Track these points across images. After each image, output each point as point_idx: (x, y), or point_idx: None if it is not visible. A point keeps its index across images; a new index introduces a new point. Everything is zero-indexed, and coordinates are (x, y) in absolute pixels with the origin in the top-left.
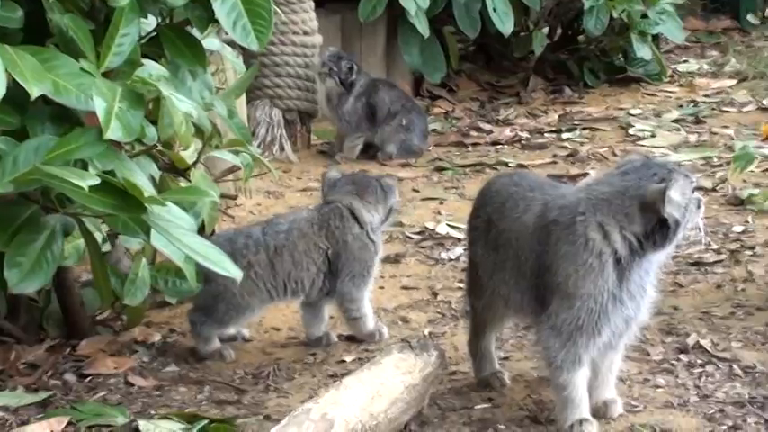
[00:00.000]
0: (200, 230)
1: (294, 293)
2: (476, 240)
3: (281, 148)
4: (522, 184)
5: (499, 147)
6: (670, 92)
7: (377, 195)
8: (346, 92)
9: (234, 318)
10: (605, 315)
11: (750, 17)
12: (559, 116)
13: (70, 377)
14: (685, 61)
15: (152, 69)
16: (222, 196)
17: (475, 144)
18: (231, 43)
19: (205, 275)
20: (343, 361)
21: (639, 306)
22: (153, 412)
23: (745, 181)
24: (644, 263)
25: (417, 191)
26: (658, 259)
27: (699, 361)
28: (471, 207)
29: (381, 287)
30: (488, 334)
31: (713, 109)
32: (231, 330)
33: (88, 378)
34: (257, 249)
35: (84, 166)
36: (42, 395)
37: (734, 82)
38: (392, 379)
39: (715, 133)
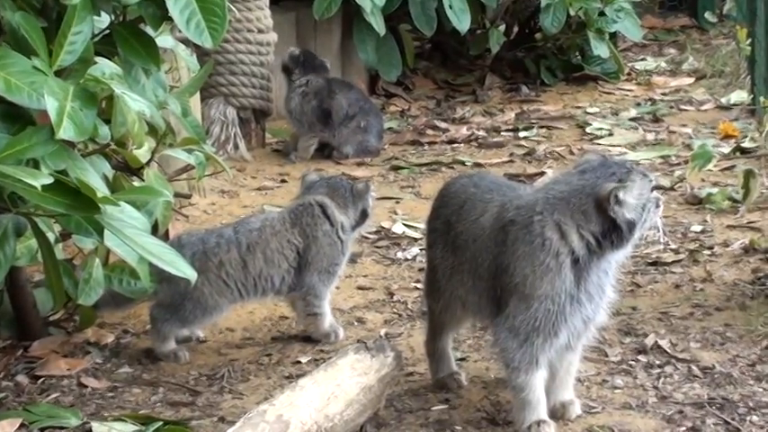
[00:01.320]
0: (154, 230)
1: (263, 293)
2: (434, 243)
3: (236, 147)
4: (481, 186)
5: (456, 145)
6: (627, 90)
7: (346, 198)
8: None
9: (199, 318)
10: (563, 316)
11: (708, 15)
12: (516, 114)
13: (22, 379)
14: (643, 59)
15: (105, 68)
16: (176, 195)
17: (431, 143)
18: (185, 41)
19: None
20: (299, 362)
21: (598, 307)
22: (106, 414)
23: (703, 180)
24: (602, 263)
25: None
26: (617, 259)
27: (657, 362)
28: (430, 209)
29: (337, 287)
30: (446, 335)
31: (671, 107)
32: (185, 331)
33: (41, 379)
34: (229, 248)
35: (36, 165)
36: None
37: (692, 80)
38: (348, 380)
39: (673, 132)
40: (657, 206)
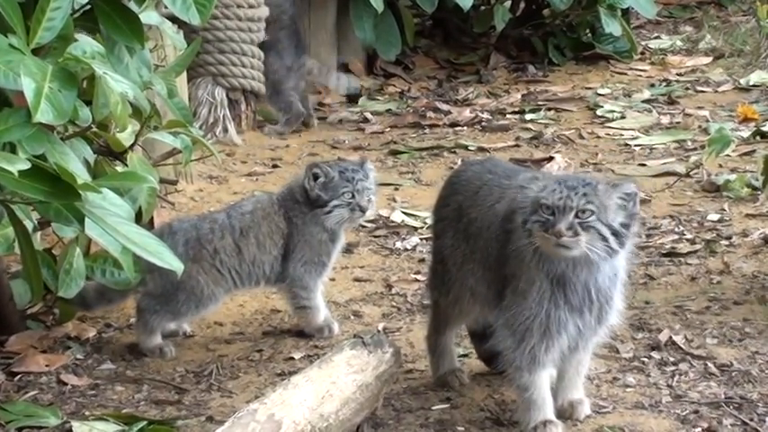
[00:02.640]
0: (138, 218)
1: (257, 281)
2: (443, 231)
3: (225, 130)
4: (497, 171)
5: (458, 129)
6: (641, 70)
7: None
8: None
9: (192, 309)
10: (550, 320)
11: None
12: (522, 96)
13: None
14: (657, 37)
15: (86, 46)
16: (161, 181)
17: (432, 126)
18: (171, 17)
19: None
20: (292, 358)
21: (597, 314)
22: (87, 413)
23: (721, 166)
24: (590, 269)
25: None
26: (609, 266)
27: (671, 359)
28: (437, 197)
29: (332, 279)
30: (450, 330)
31: (687, 89)
32: (172, 325)
33: (18, 376)
34: (223, 234)
35: (12, 149)
36: None
37: (709, 60)
38: (344, 378)
39: (689, 115)
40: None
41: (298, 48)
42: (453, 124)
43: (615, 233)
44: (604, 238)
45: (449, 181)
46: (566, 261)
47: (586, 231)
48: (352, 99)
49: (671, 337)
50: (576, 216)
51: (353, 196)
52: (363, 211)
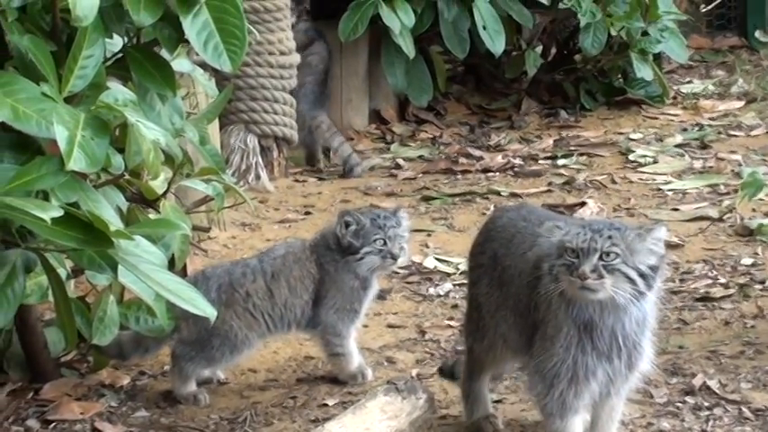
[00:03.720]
0: (171, 265)
1: (289, 325)
2: (479, 278)
3: (257, 177)
4: (531, 219)
5: (490, 174)
6: (673, 115)
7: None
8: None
9: (227, 355)
10: (577, 366)
11: (758, 34)
12: (555, 141)
13: (33, 423)
14: (689, 82)
15: (118, 93)
16: (194, 229)
17: (464, 172)
18: (203, 65)
19: None
20: (326, 405)
21: (620, 360)
22: None
23: (754, 210)
24: (617, 315)
25: None
26: (637, 311)
27: (706, 403)
28: (473, 243)
29: (366, 325)
30: (484, 376)
31: (719, 133)
32: (207, 372)
33: (52, 424)
34: (255, 277)
35: (45, 197)
36: None
37: (741, 104)
38: (378, 424)
39: (721, 159)
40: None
41: (319, 99)
42: (485, 170)
43: (643, 276)
44: (631, 281)
45: (484, 227)
46: (592, 305)
47: (611, 274)
48: (346, 172)
49: (705, 382)
50: (601, 258)
51: (385, 243)
52: (395, 258)
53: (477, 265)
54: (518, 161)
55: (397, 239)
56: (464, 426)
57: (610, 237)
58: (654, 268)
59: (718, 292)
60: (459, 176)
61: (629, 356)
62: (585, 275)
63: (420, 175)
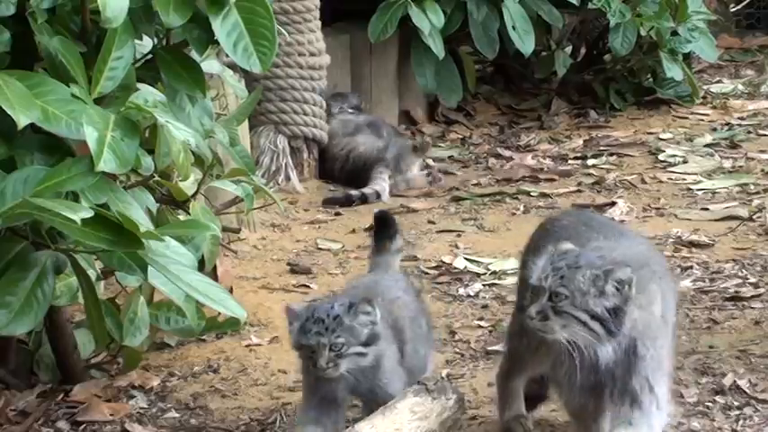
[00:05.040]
0: (201, 266)
1: None
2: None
3: (287, 178)
4: (592, 225)
5: (522, 174)
6: (703, 114)
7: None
8: None
9: None
10: (562, 387)
11: None
12: (584, 141)
13: (63, 425)
14: (719, 81)
15: (148, 95)
16: (224, 230)
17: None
18: (232, 66)
19: None
20: (356, 406)
21: (606, 390)
22: None
23: None
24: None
25: (433, 222)
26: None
27: (736, 403)
28: (529, 240)
29: None
30: (522, 376)
31: (749, 132)
32: None
33: (82, 426)
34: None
35: (75, 198)
36: None
37: None
38: (408, 425)
39: (751, 158)
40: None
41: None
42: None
43: (598, 318)
44: (583, 324)
45: (542, 226)
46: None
47: (559, 316)
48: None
49: (735, 382)
50: (550, 299)
51: (313, 352)
52: (322, 370)
53: (529, 263)
54: (548, 161)
55: (334, 347)
56: (494, 426)
57: (562, 277)
58: (614, 311)
59: (748, 291)
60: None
61: (613, 388)
62: (531, 316)
63: (450, 176)
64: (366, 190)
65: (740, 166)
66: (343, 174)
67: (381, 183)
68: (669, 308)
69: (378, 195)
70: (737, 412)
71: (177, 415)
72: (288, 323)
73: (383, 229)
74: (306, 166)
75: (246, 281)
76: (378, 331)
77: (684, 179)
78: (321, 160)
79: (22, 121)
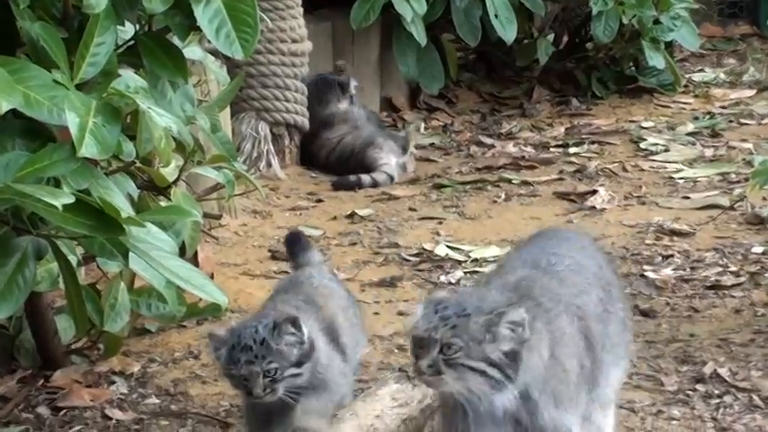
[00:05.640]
0: (181, 252)
1: None
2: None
3: (269, 165)
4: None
5: (503, 162)
6: (684, 103)
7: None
8: None
9: None
10: None
11: None
12: (566, 129)
13: (44, 410)
14: (701, 70)
15: (129, 81)
16: (205, 216)
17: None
18: (214, 52)
19: None
20: None
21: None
22: None
23: (765, 198)
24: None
25: (415, 210)
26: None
27: (716, 391)
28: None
29: (376, 313)
30: None
31: (731, 121)
32: None
33: (63, 411)
34: None
35: (57, 184)
36: (14, 430)
37: (753, 92)
38: (388, 411)
39: (733, 147)
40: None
41: None
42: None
43: (495, 365)
44: (481, 373)
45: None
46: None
47: (453, 368)
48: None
49: (715, 370)
50: (441, 351)
51: (246, 380)
52: (258, 398)
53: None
54: (529, 149)
55: (267, 373)
56: None
57: (453, 326)
58: (510, 354)
59: (728, 280)
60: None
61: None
62: (421, 371)
63: (431, 163)
64: (376, 175)
65: (721, 155)
66: (329, 161)
67: (389, 166)
68: (615, 305)
69: (391, 179)
70: (718, 400)
71: (158, 401)
72: (212, 350)
73: (295, 247)
74: (287, 153)
75: (227, 267)
76: (306, 348)
77: (666, 168)
78: (304, 147)
79: (3, 106)
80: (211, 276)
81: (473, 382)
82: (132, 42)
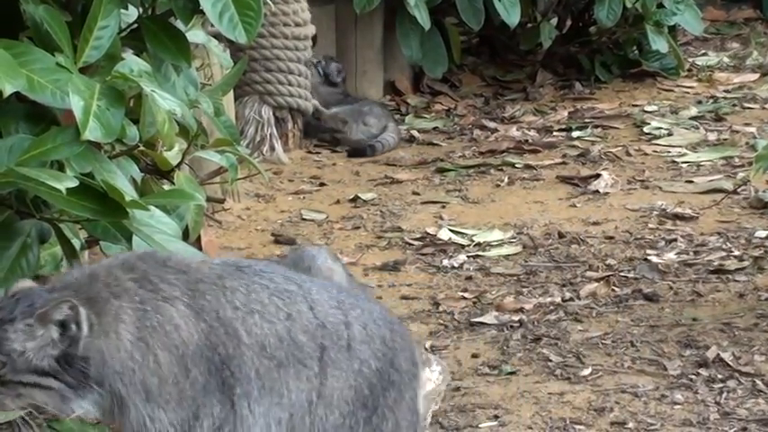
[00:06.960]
0: (185, 236)
1: None
2: None
3: (272, 149)
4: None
5: (506, 146)
6: (688, 87)
7: None
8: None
9: None
10: None
11: None
12: (569, 113)
13: None
14: (704, 54)
15: (133, 64)
16: (209, 200)
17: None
18: (218, 36)
19: None
20: None
21: None
22: None
23: None
24: None
25: (418, 194)
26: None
27: (720, 376)
28: None
29: (379, 297)
30: None
31: (734, 105)
32: None
33: None
34: None
35: (60, 167)
36: (17, 413)
37: (756, 76)
38: None
39: (736, 131)
40: None
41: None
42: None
43: (50, 375)
44: (37, 386)
45: None
46: None
47: (5, 387)
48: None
49: (719, 354)
50: None
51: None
52: None
53: None
54: (532, 133)
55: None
56: (480, 396)
57: None
58: (64, 359)
59: (732, 264)
60: (474, 148)
61: None
62: None
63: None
64: (374, 143)
65: (725, 139)
66: None
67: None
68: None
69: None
70: (721, 385)
71: None
72: None
73: None
74: (290, 137)
75: (231, 251)
76: None
77: (669, 152)
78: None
79: (7, 89)
80: None
81: (38, 398)
82: (135, 26)
